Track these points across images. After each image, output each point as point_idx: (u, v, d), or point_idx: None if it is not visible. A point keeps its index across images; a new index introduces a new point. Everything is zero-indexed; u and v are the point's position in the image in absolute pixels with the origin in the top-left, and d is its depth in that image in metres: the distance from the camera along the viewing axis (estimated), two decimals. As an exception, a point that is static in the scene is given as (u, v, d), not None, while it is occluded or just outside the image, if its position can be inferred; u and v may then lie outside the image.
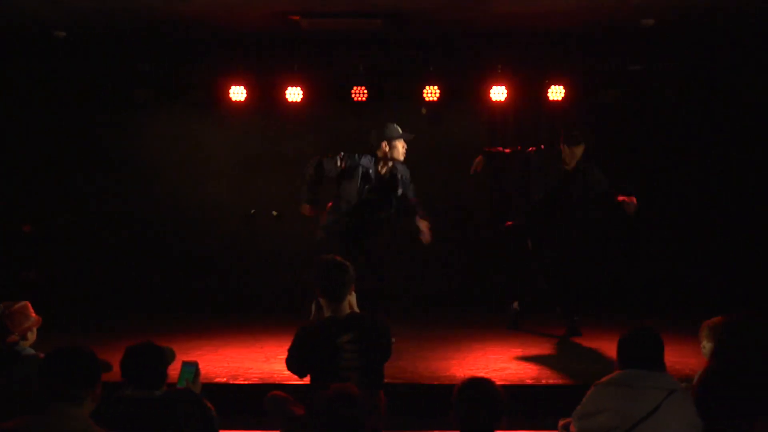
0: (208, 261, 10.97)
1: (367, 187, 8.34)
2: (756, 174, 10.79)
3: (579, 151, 8.58)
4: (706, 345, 5.46)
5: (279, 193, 11.00)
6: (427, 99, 10.33)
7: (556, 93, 10.24)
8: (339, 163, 8.34)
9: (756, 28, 9.27)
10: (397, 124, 8.40)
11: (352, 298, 5.59)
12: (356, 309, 5.59)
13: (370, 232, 8.51)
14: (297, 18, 8.83)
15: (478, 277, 10.88)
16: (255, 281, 10.90)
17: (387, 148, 8.31)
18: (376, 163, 8.39)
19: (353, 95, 10.30)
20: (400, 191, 8.41)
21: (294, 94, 10.29)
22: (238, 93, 10.34)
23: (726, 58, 10.24)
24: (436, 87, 10.26)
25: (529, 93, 10.45)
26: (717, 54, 10.19)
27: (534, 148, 8.89)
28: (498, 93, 10.25)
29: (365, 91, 10.28)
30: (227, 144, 11.14)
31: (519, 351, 8.11)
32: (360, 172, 8.30)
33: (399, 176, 8.40)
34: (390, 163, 8.39)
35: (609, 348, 7.98)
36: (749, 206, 10.81)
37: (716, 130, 10.76)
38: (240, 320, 9.82)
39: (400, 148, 8.34)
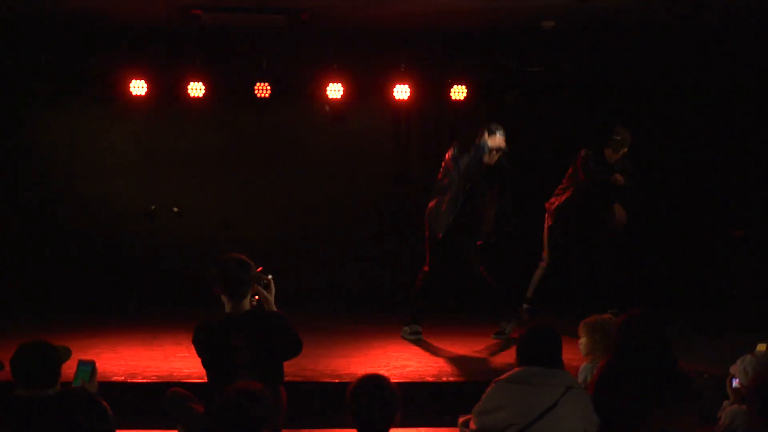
0: (107, 257, 10.77)
1: (474, 170, 8.36)
2: (658, 171, 11.08)
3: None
4: (582, 341, 5.70)
5: (180, 189, 10.88)
6: (330, 96, 10.30)
7: (458, 93, 10.32)
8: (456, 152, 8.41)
9: (654, 30, 9.48)
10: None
11: (271, 291, 5.56)
12: (273, 308, 5.55)
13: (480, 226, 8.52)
14: (199, 12, 8.73)
15: (379, 275, 10.86)
16: (154, 278, 10.73)
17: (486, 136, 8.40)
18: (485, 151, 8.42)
19: (256, 91, 10.21)
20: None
21: (196, 89, 10.14)
22: (139, 87, 10.16)
23: (625, 59, 10.45)
24: (339, 84, 10.25)
25: (432, 92, 10.50)
26: (616, 56, 10.39)
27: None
28: (401, 92, 10.29)
29: (268, 88, 10.20)
30: (128, 139, 10.94)
31: (420, 349, 8.16)
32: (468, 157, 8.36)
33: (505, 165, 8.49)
34: (495, 153, 8.43)
35: (509, 346, 8.11)
36: (653, 205, 11.08)
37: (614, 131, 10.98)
38: (139, 318, 9.68)
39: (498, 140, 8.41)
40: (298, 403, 6.05)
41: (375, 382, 4.27)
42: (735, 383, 5.21)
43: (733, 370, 5.28)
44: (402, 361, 7.61)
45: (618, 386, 4.77)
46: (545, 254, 9.45)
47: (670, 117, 11.04)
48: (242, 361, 5.24)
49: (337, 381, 6.86)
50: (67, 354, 4.71)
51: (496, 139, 8.38)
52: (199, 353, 5.43)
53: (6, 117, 10.67)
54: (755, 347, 5.44)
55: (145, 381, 6.83)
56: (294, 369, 6.68)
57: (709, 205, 11.10)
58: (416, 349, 8.11)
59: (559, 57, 10.34)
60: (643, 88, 10.84)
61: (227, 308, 5.41)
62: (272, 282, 5.60)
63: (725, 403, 5.26)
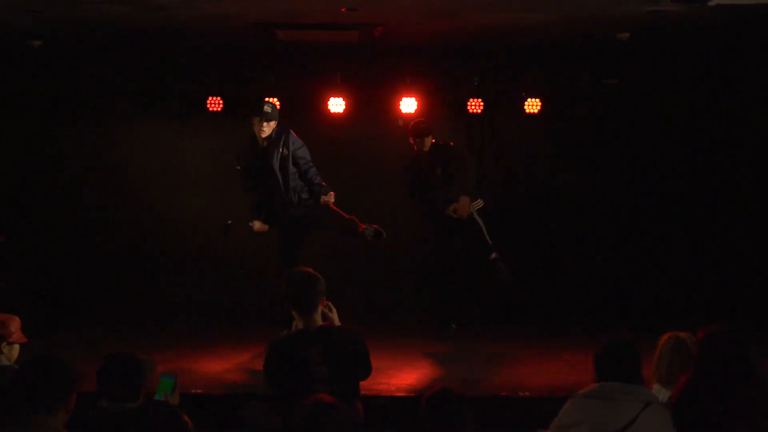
0: (185, 271, 10.93)
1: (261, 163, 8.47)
2: (729, 183, 10.90)
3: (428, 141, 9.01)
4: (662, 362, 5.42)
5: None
6: (403, 111, 10.33)
7: (532, 106, 10.29)
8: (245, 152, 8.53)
9: (727, 41, 9.36)
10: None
11: (334, 314, 5.57)
12: (337, 322, 5.55)
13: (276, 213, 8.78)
14: (274, 30, 8.83)
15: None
16: (232, 291, 10.85)
17: None
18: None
19: (329, 106, 10.29)
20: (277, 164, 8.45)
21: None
22: (215, 104, 10.33)
23: (700, 70, 10.32)
24: (413, 99, 10.28)
25: (506, 105, 10.49)
26: (691, 66, 10.27)
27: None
28: (474, 105, 10.30)
29: (342, 103, 10.27)
30: (205, 154, 11.11)
31: (494, 362, 8.12)
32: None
33: (278, 151, 8.41)
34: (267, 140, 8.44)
35: (586, 360, 8.01)
36: (721, 216, 10.92)
37: (690, 142, 10.85)
38: (218, 330, 9.77)
39: (256, 126, 8.36)
40: (375, 417, 6.05)
41: (449, 398, 4.26)
42: None
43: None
44: (476, 375, 7.57)
45: (700, 403, 4.70)
46: None
47: (742, 128, 10.88)
48: (317, 376, 5.24)
49: (413, 395, 6.85)
50: (152, 367, 4.78)
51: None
52: (272, 372, 5.40)
53: (86, 133, 10.91)
54: None
55: (224, 393, 6.89)
56: (369, 383, 6.66)
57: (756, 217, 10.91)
58: (490, 363, 8.06)
59: (635, 69, 10.25)
60: (720, 99, 10.69)
61: (299, 324, 5.41)
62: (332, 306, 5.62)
63: None
